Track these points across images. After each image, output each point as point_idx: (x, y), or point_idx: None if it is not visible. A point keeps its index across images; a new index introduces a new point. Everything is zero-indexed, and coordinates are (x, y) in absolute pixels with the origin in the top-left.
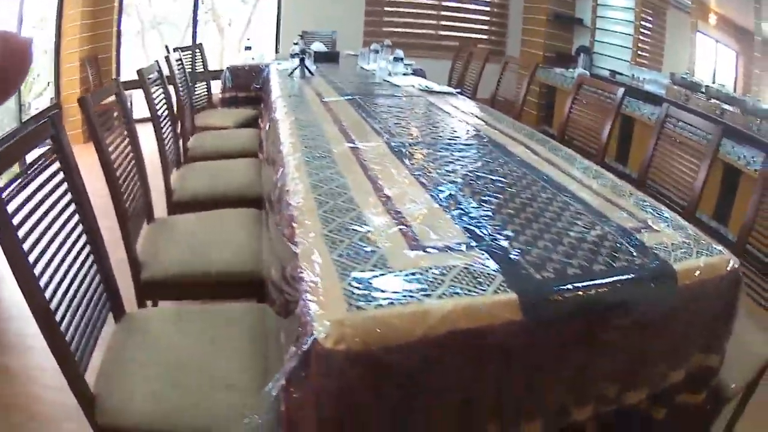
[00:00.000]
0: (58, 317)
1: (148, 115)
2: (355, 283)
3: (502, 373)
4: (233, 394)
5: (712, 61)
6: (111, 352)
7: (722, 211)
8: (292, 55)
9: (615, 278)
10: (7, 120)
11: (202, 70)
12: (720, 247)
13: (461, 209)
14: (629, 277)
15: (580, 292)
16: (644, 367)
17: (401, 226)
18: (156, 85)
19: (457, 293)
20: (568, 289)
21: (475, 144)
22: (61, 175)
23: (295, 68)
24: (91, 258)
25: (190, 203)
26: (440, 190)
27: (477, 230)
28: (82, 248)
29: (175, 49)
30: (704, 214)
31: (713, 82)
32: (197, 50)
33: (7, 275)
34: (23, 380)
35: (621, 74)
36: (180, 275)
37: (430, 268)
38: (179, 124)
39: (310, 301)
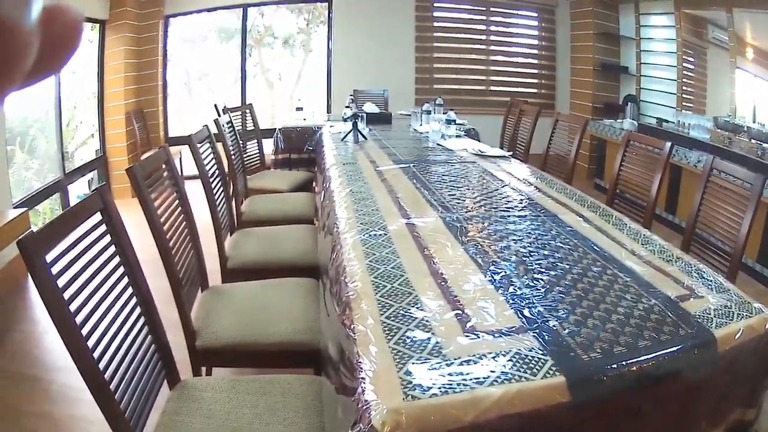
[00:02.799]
0: (112, 385)
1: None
2: (410, 373)
3: None
4: None
5: (753, 98)
6: (165, 417)
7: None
8: (345, 119)
9: (659, 353)
10: (48, 165)
11: (253, 128)
12: (759, 305)
13: (514, 289)
14: (672, 349)
15: (626, 370)
16: (686, 429)
17: (456, 311)
18: (206, 146)
19: (508, 379)
20: (613, 368)
21: (528, 215)
22: (112, 248)
23: (348, 132)
24: (145, 327)
25: (245, 270)
26: (494, 271)
27: (528, 312)
28: (137, 319)
29: (224, 110)
30: (749, 258)
31: (754, 121)
32: (247, 110)
33: (53, 327)
34: (67, 430)
35: (667, 121)
36: (235, 344)
37: (484, 356)
38: (231, 186)
39: (367, 389)
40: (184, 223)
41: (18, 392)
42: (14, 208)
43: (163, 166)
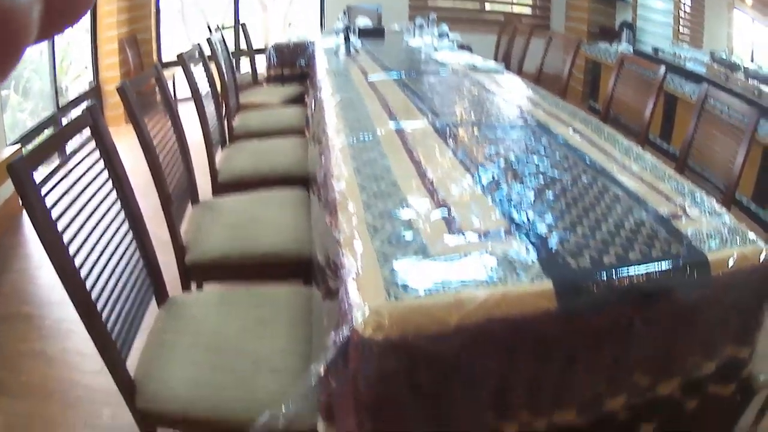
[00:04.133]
0: (99, 304)
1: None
2: (394, 272)
3: (537, 362)
4: (277, 377)
5: (751, 40)
6: (153, 337)
7: (762, 193)
8: (337, 32)
9: (649, 267)
10: (43, 104)
11: (246, 48)
12: (753, 236)
13: (502, 194)
14: (663, 265)
15: (615, 281)
16: (677, 358)
17: (443, 212)
18: (197, 64)
19: (494, 281)
20: (603, 277)
21: (520, 125)
22: (101, 164)
23: (340, 45)
24: (133, 244)
25: (236, 183)
26: (483, 174)
27: (517, 216)
28: (125, 235)
29: (216, 28)
30: (744, 196)
31: (752, 61)
32: (239, 29)
33: (47, 262)
34: (61, 365)
35: (663, 51)
36: (225, 257)
37: (470, 257)
38: (223, 104)
39: (350, 289)
40: (174, 138)
41: (12, 332)
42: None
43: (154, 81)
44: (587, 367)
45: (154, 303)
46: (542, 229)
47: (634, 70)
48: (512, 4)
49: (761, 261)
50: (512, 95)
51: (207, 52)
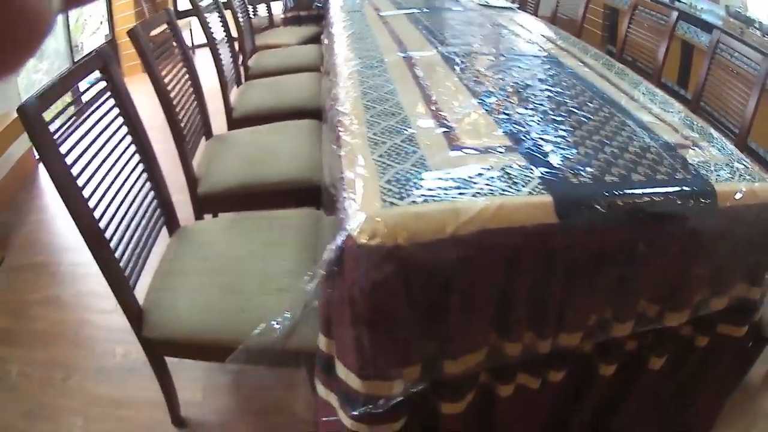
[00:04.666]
0: (108, 233)
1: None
2: (391, 182)
3: (538, 279)
4: (284, 297)
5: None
6: (162, 264)
7: None
8: None
9: (653, 189)
10: (58, 63)
11: None
12: (763, 174)
13: (507, 114)
14: (668, 189)
15: (618, 200)
16: (685, 289)
17: (444, 129)
18: (212, 12)
19: (492, 192)
20: (604, 195)
21: (529, 55)
22: (112, 101)
23: None
24: (144, 176)
25: (251, 118)
26: (488, 96)
27: (520, 134)
28: (135, 168)
29: None
30: (761, 148)
31: None
32: None
33: (63, 211)
34: (72, 307)
35: (680, 1)
36: (236, 186)
37: (469, 169)
38: (239, 47)
39: (347, 198)
40: (188, 76)
41: (23, 282)
42: None
43: (166, 27)
44: (590, 289)
45: (167, 235)
46: (545, 147)
47: (648, 15)
48: None
49: None
50: (523, 30)
51: None
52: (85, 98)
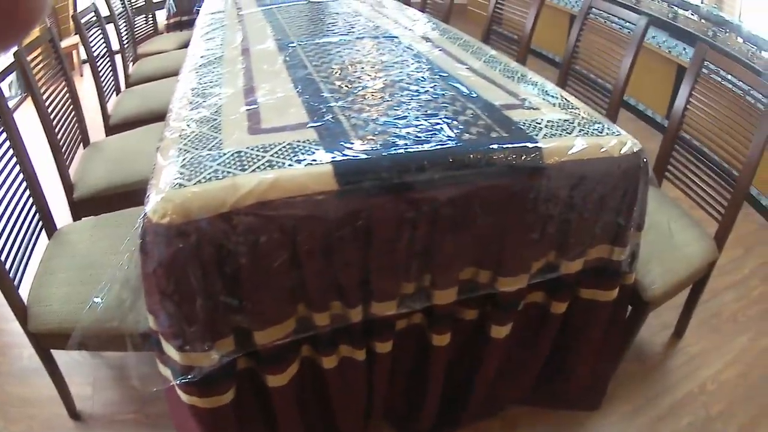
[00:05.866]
0: None
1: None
2: (186, 165)
3: (334, 247)
4: None
5: None
6: (41, 265)
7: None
8: None
9: (446, 146)
10: None
11: (144, 4)
12: (617, 129)
13: (318, 94)
14: (473, 147)
15: (403, 160)
16: (515, 252)
17: (248, 112)
18: (94, 27)
19: (271, 167)
20: (389, 155)
21: (366, 36)
22: None
23: None
24: (23, 185)
25: (128, 123)
26: (305, 79)
27: (322, 111)
28: (14, 180)
29: None
30: (657, 114)
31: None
32: None
33: None
34: None
35: None
36: (107, 189)
37: (255, 147)
38: (121, 57)
39: (151, 185)
40: (66, 88)
41: None
42: None
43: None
44: (391, 256)
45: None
46: (343, 120)
47: None
48: None
49: (622, 153)
50: (374, 14)
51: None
52: None
